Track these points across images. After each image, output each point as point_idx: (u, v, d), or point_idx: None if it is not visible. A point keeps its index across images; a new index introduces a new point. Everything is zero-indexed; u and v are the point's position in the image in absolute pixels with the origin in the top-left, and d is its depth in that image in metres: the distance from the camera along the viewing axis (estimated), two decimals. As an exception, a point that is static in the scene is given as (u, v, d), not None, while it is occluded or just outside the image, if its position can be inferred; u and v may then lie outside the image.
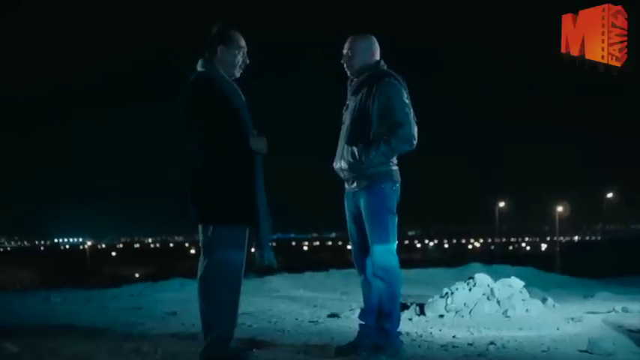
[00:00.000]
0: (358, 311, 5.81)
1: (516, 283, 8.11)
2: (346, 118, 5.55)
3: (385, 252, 5.35)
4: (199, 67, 5.08)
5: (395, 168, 5.45)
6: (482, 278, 8.05)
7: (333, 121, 5.73)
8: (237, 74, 5.16)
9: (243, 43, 5.13)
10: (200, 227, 5.01)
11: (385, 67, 5.52)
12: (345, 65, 5.59)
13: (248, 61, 5.17)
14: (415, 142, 5.36)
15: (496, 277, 8.41)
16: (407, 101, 5.38)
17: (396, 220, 5.41)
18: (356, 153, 5.38)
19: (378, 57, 5.55)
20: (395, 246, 5.42)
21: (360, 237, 5.52)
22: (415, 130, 5.35)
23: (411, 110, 5.38)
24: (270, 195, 5.08)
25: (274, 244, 5.16)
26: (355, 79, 5.55)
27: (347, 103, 5.61)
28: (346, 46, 5.56)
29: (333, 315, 7.64)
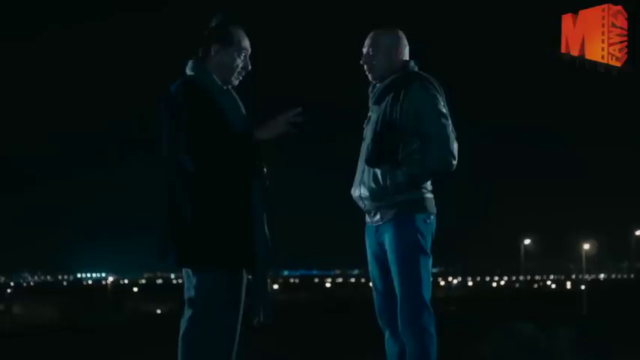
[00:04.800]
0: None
1: None
2: (367, 133, 4.49)
3: (416, 304, 4.27)
4: (188, 70, 4.10)
5: (429, 195, 4.37)
6: None
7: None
8: (235, 82, 4.15)
9: (245, 43, 4.12)
10: (184, 271, 4.03)
11: (416, 69, 4.45)
12: (365, 67, 4.50)
13: (250, 67, 4.19)
14: (455, 162, 4.27)
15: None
16: (444, 110, 4.30)
17: (430, 261, 4.35)
18: (379, 176, 4.29)
19: (406, 56, 4.47)
20: (429, 296, 4.32)
21: (385, 283, 4.44)
22: (455, 146, 4.28)
23: (450, 122, 4.31)
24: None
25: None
26: (378, 84, 4.47)
27: (369, 114, 4.54)
28: (367, 42, 4.48)
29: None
